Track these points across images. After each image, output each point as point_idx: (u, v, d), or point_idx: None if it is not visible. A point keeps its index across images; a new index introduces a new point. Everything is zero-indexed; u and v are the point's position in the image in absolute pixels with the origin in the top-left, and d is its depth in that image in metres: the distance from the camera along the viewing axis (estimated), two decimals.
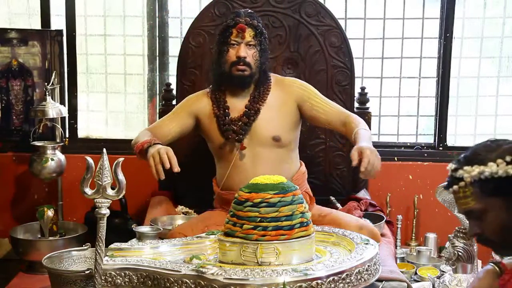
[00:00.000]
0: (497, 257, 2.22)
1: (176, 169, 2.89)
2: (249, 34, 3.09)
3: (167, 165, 2.89)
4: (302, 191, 3.14)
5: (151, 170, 2.90)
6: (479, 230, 1.86)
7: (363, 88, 3.75)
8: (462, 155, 1.85)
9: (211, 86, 3.27)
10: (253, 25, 3.11)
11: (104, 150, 2.34)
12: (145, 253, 2.60)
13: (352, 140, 2.99)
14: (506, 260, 2.05)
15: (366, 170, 2.74)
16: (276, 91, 3.19)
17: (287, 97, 3.18)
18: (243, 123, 3.12)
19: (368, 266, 2.43)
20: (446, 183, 1.88)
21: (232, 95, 3.19)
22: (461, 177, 1.82)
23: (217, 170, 3.27)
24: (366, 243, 2.59)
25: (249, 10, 3.22)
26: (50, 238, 3.54)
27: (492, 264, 2.01)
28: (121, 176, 2.35)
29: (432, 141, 4.03)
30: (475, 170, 1.79)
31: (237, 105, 3.17)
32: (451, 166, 1.87)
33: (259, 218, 2.41)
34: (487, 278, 1.98)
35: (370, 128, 3.66)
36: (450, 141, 4.02)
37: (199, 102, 3.24)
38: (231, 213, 2.50)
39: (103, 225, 2.36)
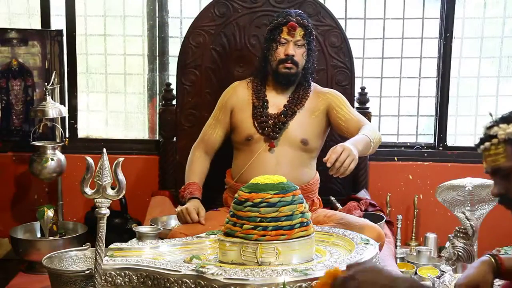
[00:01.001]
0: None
1: (202, 221, 3.01)
2: (299, 33, 3.14)
3: (190, 221, 3.00)
4: (315, 197, 3.23)
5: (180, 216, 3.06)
6: (503, 191, 1.87)
7: (363, 88, 3.75)
8: (500, 116, 1.88)
9: (251, 77, 3.30)
10: (304, 25, 3.15)
11: (104, 150, 2.34)
12: (145, 253, 2.60)
13: None
14: (503, 254, 2.05)
15: (333, 166, 2.72)
16: (313, 97, 3.24)
17: (320, 104, 3.23)
18: (280, 122, 3.15)
19: None
20: (478, 141, 1.89)
21: (273, 91, 3.24)
22: (495, 134, 1.84)
23: (234, 162, 3.26)
24: (366, 243, 2.59)
25: (299, 11, 3.25)
26: (50, 238, 3.54)
27: (488, 255, 2.01)
28: (121, 176, 2.35)
29: (432, 141, 4.04)
30: (511, 128, 1.80)
31: (275, 101, 3.21)
32: (486, 124, 1.89)
33: (259, 218, 2.41)
34: (481, 268, 1.98)
35: None
36: (450, 141, 4.02)
37: (235, 93, 3.29)
38: (231, 213, 2.50)
39: (103, 225, 2.36)
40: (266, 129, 3.15)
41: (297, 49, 3.15)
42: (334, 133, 3.41)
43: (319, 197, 3.30)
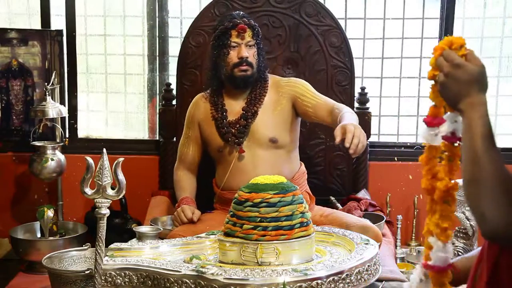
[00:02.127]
0: None
1: (195, 219, 3.04)
2: (248, 34, 3.11)
3: (185, 221, 3.03)
4: (302, 191, 3.15)
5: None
6: None
7: (363, 88, 3.75)
8: None
9: (208, 90, 3.28)
10: (251, 25, 3.13)
11: (104, 150, 2.35)
12: (145, 253, 2.60)
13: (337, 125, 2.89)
14: (455, 259, 1.86)
15: (352, 144, 2.65)
16: (272, 92, 3.20)
17: (282, 98, 3.19)
18: (241, 126, 3.14)
19: (368, 266, 2.43)
20: None
21: (230, 97, 3.21)
22: None
23: (216, 172, 3.28)
24: (366, 243, 2.59)
25: (241, 12, 3.23)
26: (50, 238, 3.54)
27: None
28: (121, 176, 2.35)
29: None
30: None
31: (235, 107, 3.19)
32: None
33: (259, 218, 2.41)
34: None
35: (370, 128, 3.68)
36: None
37: (198, 110, 3.29)
38: (231, 213, 2.51)
39: (103, 225, 2.36)
40: (230, 138, 3.14)
41: (249, 50, 3.12)
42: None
43: (309, 192, 3.25)
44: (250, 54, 3.12)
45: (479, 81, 1.42)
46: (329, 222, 2.97)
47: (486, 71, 1.44)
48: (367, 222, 3.01)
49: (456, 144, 1.57)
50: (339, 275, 2.31)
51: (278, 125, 3.16)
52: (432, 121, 1.63)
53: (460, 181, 1.52)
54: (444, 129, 1.58)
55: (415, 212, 3.88)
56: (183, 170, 3.32)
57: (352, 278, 2.35)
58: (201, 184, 3.35)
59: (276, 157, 3.15)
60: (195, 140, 3.29)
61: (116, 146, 3.88)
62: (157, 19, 4.01)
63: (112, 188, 2.37)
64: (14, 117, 3.95)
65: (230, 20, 3.12)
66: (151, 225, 3.10)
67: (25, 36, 3.91)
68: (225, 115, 3.17)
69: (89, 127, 4.11)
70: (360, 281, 2.38)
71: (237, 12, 3.23)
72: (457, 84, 1.43)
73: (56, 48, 3.92)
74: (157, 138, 4.00)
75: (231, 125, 3.15)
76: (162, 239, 2.83)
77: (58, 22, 3.99)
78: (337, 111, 3.01)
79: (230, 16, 3.16)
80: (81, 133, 4.06)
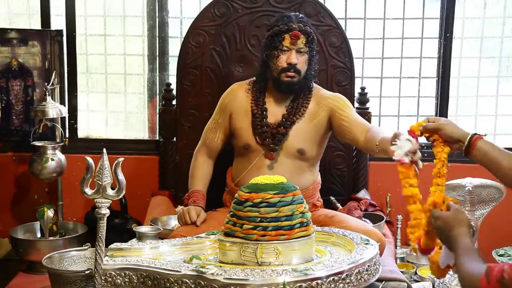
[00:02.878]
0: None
1: (198, 223, 3.00)
2: (301, 41, 3.03)
3: (188, 222, 3.00)
4: (315, 200, 3.18)
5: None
6: None
7: (363, 88, 3.75)
8: None
9: (252, 80, 3.22)
10: (306, 32, 3.04)
11: (104, 150, 2.35)
12: (145, 253, 2.60)
13: (376, 145, 2.86)
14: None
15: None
16: (314, 102, 3.14)
17: (321, 110, 3.14)
18: (280, 134, 3.08)
19: (368, 266, 2.43)
20: None
21: (272, 98, 3.16)
22: None
23: (234, 164, 3.24)
24: (366, 243, 2.59)
25: (300, 15, 3.16)
26: (50, 238, 3.54)
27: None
28: (121, 176, 2.36)
29: None
30: None
31: (274, 110, 3.13)
32: None
33: (259, 218, 2.42)
34: None
35: None
36: None
37: (235, 97, 3.21)
38: (231, 213, 2.51)
39: (103, 225, 2.37)
40: (267, 140, 3.08)
41: (299, 56, 3.04)
42: (337, 139, 3.36)
43: (320, 200, 3.27)
44: (300, 61, 3.04)
45: (456, 220, 2.00)
46: (332, 224, 2.95)
47: (458, 213, 2.01)
48: (370, 227, 2.98)
49: None
50: (339, 275, 2.32)
51: (310, 137, 3.12)
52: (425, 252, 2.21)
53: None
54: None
55: None
56: (204, 155, 3.27)
57: (352, 278, 2.35)
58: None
59: (298, 168, 3.13)
60: (223, 128, 3.22)
61: (116, 146, 3.89)
62: (157, 19, 4.01)
63: (112, 188, 2.37)
64: (14, 117, 3.95)
65: (287, 23, 3.04)
66: (151, 225, 3.10)
67: (25, 36, 3.91)
68: (265, 114, 3.12)
69: (89, 127, 4.11)
70: (360, 281, 2.38)
71: (296, 14, 3.16)
72: (441, 229, 2.02)
73: (56, 48, 3.92)
74: (157, 138, 4.00)
75: (269, 128, 3.10)
76: (162, 239, 2.83)
77: (58, 22, 3.99)
78: (374, 132, 2.94)
79: (287, 19, 3.06)
80: (81, 133, 4.06)
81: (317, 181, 3.25)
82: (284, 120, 3.10)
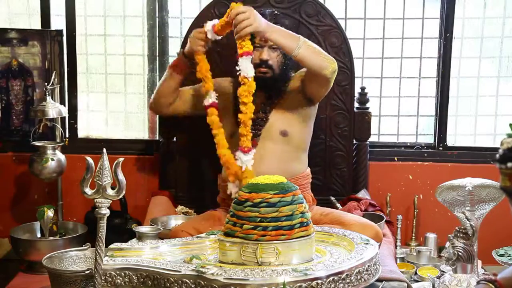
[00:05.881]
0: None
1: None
2: None
3: (203, 36, 3.10)
4: (306, 193, 3.16)
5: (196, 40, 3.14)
6: None
7: (363, 88, 3.75)
8: None
9: (233, 78, 3.27)
10: None
11: (104, 150, 2.35)
12: (145, 253, 2.60)
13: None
14: (500, 275, 2.01)
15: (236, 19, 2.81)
16: (290, 87, 3.22)
17: (295, 89, 3.21)
18: (259, 118, 3.14)
19: (368, 266, 2.43)
20: (499, 156, 1.78)
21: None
22: None
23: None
24: (366, 243, 2.59)
25: (275, 11, 3.20)
26: (50, 238, 3.54)
27: (484, 281, 1.98)
28: (121, 176, 2.36)
29: (432, 141, 4.03)
30: None
31: (255, 100, 3.16)
32: (508, 141, 1.80)
33: (259, 218, 2.42)
34: None
35: (370, 128, 3.68)
36: (450, 141, 4.01)
37: (223, 82, 3.31)
38: (231, 213, 2.51)
39: (103, 225, 2.37)
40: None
41: (272, 52, 3.11)
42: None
43: (311, 194, 3.27)
44: (272, 56, 3.11)
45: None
46: (329, 221, 2.98)
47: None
48: (366, 220, 3.01)
49: None
50: (339, 275, 2.32)
51: (290, 118, 3.18)
52: None
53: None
54: None
55: (415, 212, 3.88)
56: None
57: (352, 278, 2.35)
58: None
59: (284, 153, 3.16)
60: (196, 96, 3.31)
61: (116, 146, 3.89)
62: (157, 19, 4.01)
63: (112, 188, 2.37)
64: (14, 117, 3.95)
65: None
66: (151, 225, 3.10)
67: (25, 36, 3.91)
68: None
69: (89, 127, 4.11)
70: (360, 281, 2.39)
71: (271, 10, 3.21)
72: None
73: (56, 48, 3.92)
74: (157, 138, 4.00)
75: None
76: (162, 239, 2.83)
77: (58, 22, 3.99)
78: None
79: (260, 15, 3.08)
80: (81, 133, 4.07)
81: (306, 173, 3.26)
82: (263, 105, 3.16)
